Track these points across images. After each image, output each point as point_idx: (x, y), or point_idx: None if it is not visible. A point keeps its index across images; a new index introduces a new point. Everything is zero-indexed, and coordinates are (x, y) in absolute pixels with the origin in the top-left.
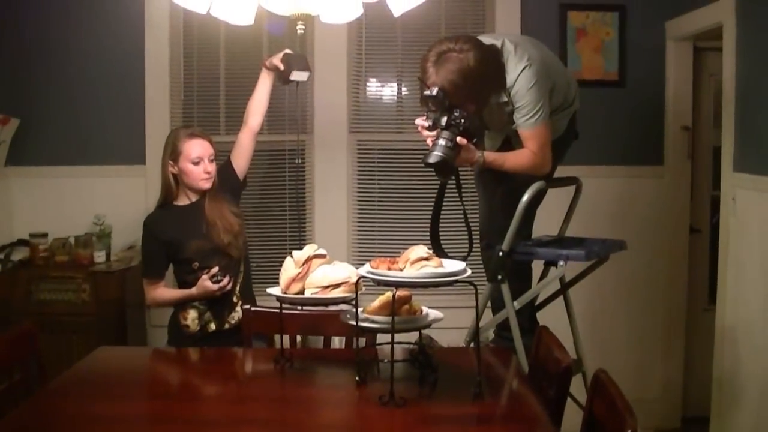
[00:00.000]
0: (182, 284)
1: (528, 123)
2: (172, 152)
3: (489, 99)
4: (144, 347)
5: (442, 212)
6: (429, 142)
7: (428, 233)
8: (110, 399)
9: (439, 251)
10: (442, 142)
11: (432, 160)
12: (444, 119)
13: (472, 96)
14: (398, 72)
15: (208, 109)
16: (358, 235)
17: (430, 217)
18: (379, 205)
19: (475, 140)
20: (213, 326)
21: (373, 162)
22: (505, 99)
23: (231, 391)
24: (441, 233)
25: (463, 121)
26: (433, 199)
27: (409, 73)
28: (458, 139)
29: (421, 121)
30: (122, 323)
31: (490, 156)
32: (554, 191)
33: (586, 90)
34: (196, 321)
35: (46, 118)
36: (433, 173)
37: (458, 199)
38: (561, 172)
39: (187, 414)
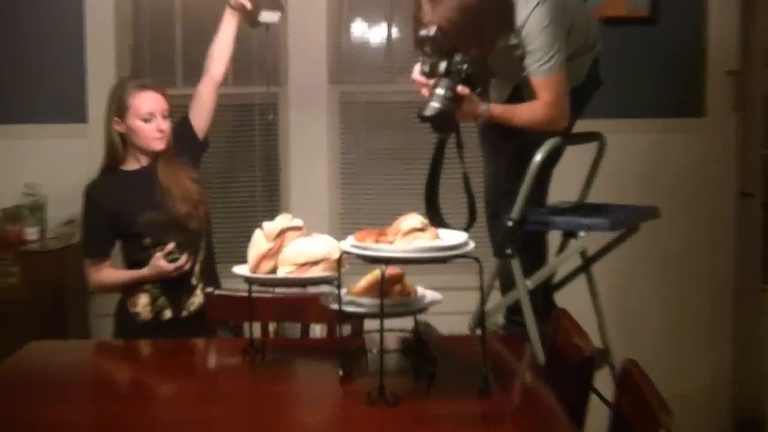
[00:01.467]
0: (132, 264)
1: (541, 70)
2: (119, 107)
3: (495, 41)
4: (86, 340)
5: (441, 176)
6: (425, 92)
7: (424, 200)
8: (46, 402)
9: (437, 220)
10: (440, 91)
11: (428, 112)
12: (442, 65)
13: (475, 37)
14: (388, 10)
15: (161, 55)
16: (342, 203)
17: (425, 182)
18: (366, 169)
19: (479, 90)
20: (169, 313)
21: (359, 118)
22: (515, 41)
23: (191, 389)
24: (439, 200)
25: (464, 67)
26: (430, 161)
27: (402, 11)
28: (459, 88)
29: (416, 68)
30: (61, 312)
31: (497, 108)
32: (573, 149)
33: (610, 29)
34: (149, 308)
35: None
36: (430, 129)
37: (459, 159)
38: (581, 126)
39: (139, 418)
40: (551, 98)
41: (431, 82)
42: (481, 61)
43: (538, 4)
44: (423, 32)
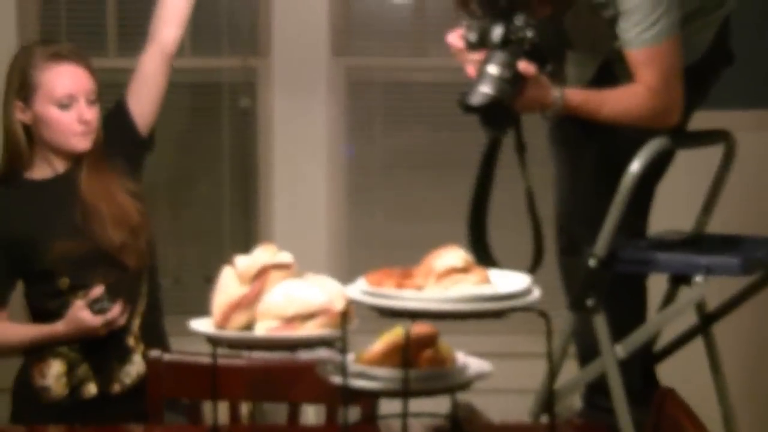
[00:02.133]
0: (39, 316)
1: (643, 38)
2: (22, 87)
3: None
4: None
5: (493, 193)
6: (471, 70)
7: (466, 228)
8: None
9: (486, 257)
10: (493, 70)
11: (476, 101)
12: (497, 31)
13: None
14: None
15: (85, 12)
16: (348, 229)
17: (469, 200)
18: (382, 178)
19: (550, 68)
20: (93, 389)
21: (374, 105)
22: None
23: None
24: (489, 229)
25: (530, 34)
26: (476, 171)
27: None
28: (521, 65)
29: (456, 37)
30: None
31: (577, 95)
32: (686, 155)
33: None
34: (64, 380)
35: None
36: (478, 123)
37: (519, 169)
38: (700, 121)
39: None
40: (657, 80)
41: (480, 55)
42: (554, 25)
43: None
44: None
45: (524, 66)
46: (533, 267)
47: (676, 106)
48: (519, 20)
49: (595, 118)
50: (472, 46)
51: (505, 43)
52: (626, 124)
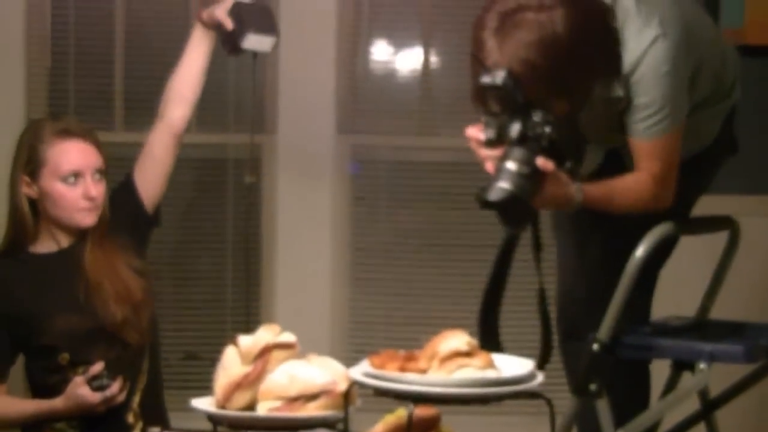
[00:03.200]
0: (39, 391)
1: (653, 131)
2: (30, 161)
3: (591, 91)
4: None
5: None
6: (489, 166)
7: (478, 320)
8: None
9: (493, 345)
10: (511, 166)
11: (494, 196)
12: (515, 128)
13: (564, 85)
14: (425, 28)
15: (93, 86)
16: (352, 309)
17: (483, 293)
18: (386, 258)
19: (568, 164)
20: None
21: (379, 183)
22: (619, 93)
23: None
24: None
25: (547, 130)
26: (486, 259)
27: (444, 30)
28: (539, 161)
29: (476, 132)
30: None
31: (593, 191)
32: (691, 240)
33: (752, 62)
34: None
35: None
36: (496, 218)
37: (534, 264)
38: (704, 206)
39: None
40: (662, 169)
41: (498, 152)
42: (571, 120)
43: (657, 38)
44: (486, 79)
45: (542, 162)
46: (541, 364)
47: (672, 193)
48: (537, 116)
49: (606, 210)
50: (490, 143)
51: (523, 139)
52: (632, 211)
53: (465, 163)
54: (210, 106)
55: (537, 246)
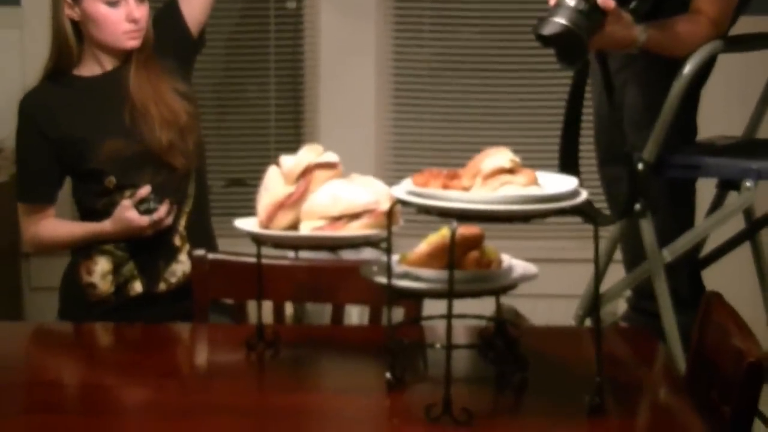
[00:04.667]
0: (87, 214)
1: None
2: None
3: None
4: (20, 322)
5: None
6: None
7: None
8: None
9: (571, 168)
10: (570, 1)
11: (549, 30)
12: None
13: None
14: None
15: None
16: (395, 131)
17: (561, 131)
18: (430, 82)
19: (634, 4)
20: (139, 287)
21: (422, 8)
22: None
23: (170, 398)
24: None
25: None
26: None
27: None
28: None
29: None
30: None
31: (656, 35)
32: (737, 62)
33: None
34: (110, 278)
35: None
36: (551, 52)
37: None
38: (746, 24)
39: None
40: (718, 11)
41: None
42: None
43: None
44: None
45: (603, 0)
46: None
47: (728, 26)
48: None
49: (661, 53)
50: None
51: None
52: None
53: None
54: None
55: (609, 87)
